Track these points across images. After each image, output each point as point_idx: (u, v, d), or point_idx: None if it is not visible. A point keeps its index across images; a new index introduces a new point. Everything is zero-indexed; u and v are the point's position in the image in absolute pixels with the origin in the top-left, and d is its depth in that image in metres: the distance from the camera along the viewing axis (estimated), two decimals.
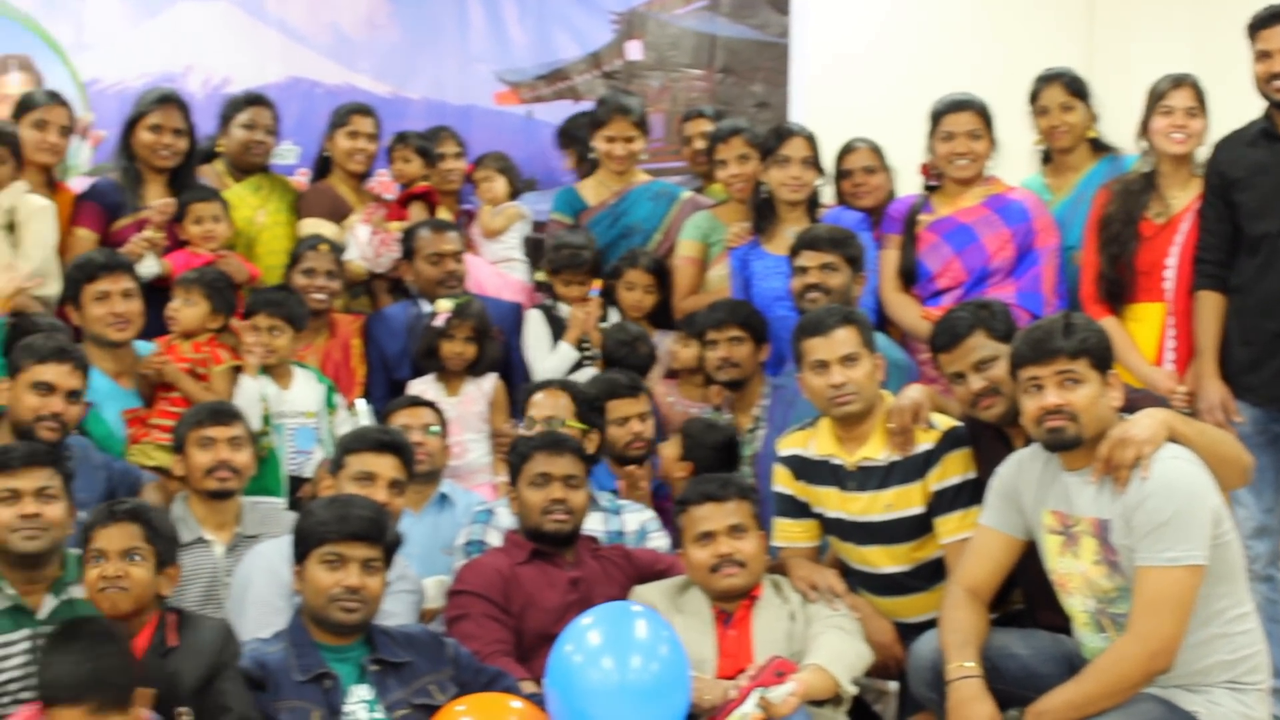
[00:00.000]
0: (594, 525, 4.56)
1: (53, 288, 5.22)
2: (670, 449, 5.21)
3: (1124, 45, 7.61)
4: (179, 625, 3.64)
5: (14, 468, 3.84)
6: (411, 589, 4.32)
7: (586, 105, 6.98)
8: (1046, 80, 5.37)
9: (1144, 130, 4.99)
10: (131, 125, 5.71)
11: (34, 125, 5.55)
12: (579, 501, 4.31)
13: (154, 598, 3.68)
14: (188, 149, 5.76)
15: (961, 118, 5.21)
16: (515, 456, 4.42)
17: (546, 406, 4.90)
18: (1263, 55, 4.76)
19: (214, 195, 5.60)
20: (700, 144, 6.44)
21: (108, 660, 3.31)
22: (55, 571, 3.92)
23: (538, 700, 3.59)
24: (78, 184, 6.01)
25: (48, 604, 3.87)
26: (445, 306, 5.44)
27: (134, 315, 5.00)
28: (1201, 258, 4.87)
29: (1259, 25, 4.78)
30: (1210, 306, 4.85)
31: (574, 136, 6.78)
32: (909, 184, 5.71)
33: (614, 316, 5.82)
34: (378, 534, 3.69)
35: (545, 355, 5.63)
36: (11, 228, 5.27)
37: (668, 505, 4.75)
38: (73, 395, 4.38)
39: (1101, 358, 3.66)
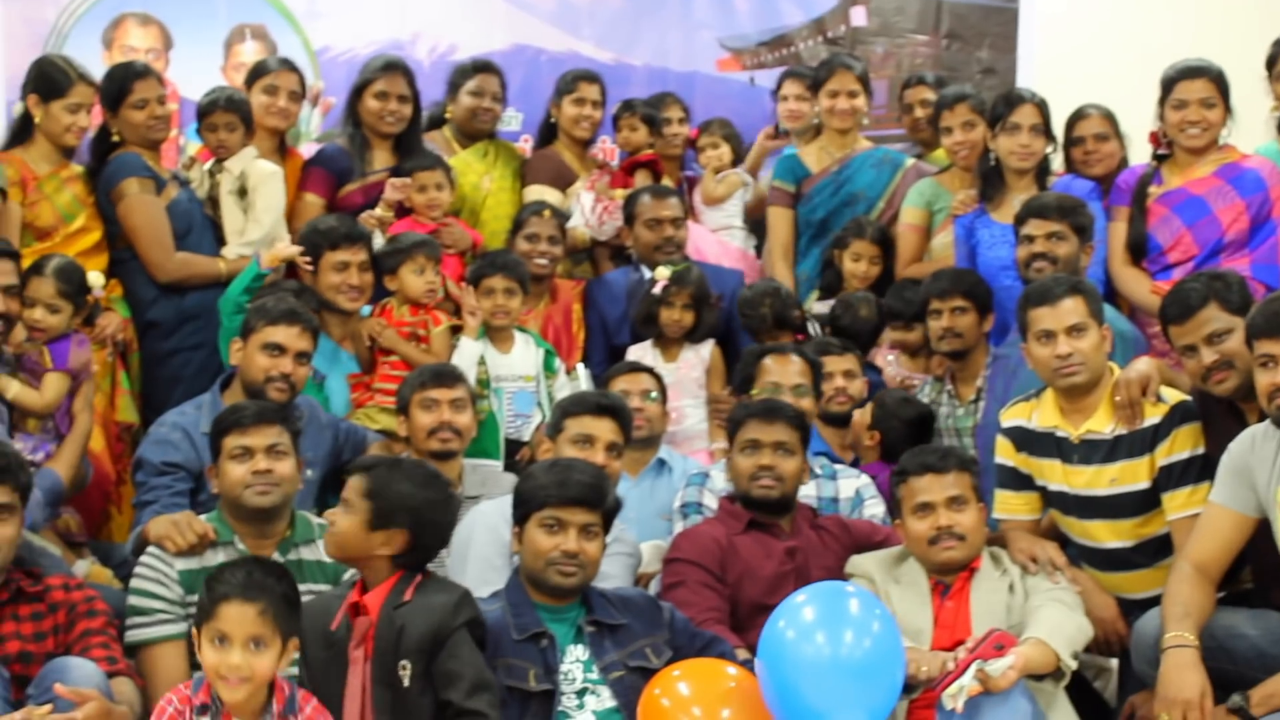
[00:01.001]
0: (808, 492, 4.55)
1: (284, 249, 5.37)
2: (862, 415, 5.17)
3: None
4: (419, 584, 3.69)
5: (246, 425, 3.96)
6: (629, 552, 4.35)
7: None
8: None
9: None
10: (358, 92, 5.85)
11: (265, 91, 5.71)
12: (789, 469, 4.28)
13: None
14: (412, 115, 5.87)
15: (1195, 85, 5.10)
16: (731, 423, 4.44)
17: (775, 372, 4.89)
18: None
19: (438, 163, 5.68)
20: (921, 111, 6.43)
21: (287, 586, 3.37)
22: (284, 530, 4.04)
23: (751, 668, 3.58)
24: (307, 150, 6.15)
25: (275, 560, 3.94)
26: (664, 274, 5.47)
27: (367, 286, 5.14)
28: None
29: None
30: None
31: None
32: (1141, 154, 5.58)
33: None
34: (597, 499, 3.71)
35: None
36: (243, 193, 5.43)
37: (880, 473, 4.73)
38: (302, 356, 4.49)
39: None
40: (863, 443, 5.04)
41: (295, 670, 3.57)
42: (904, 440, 4.83)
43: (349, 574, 3.87)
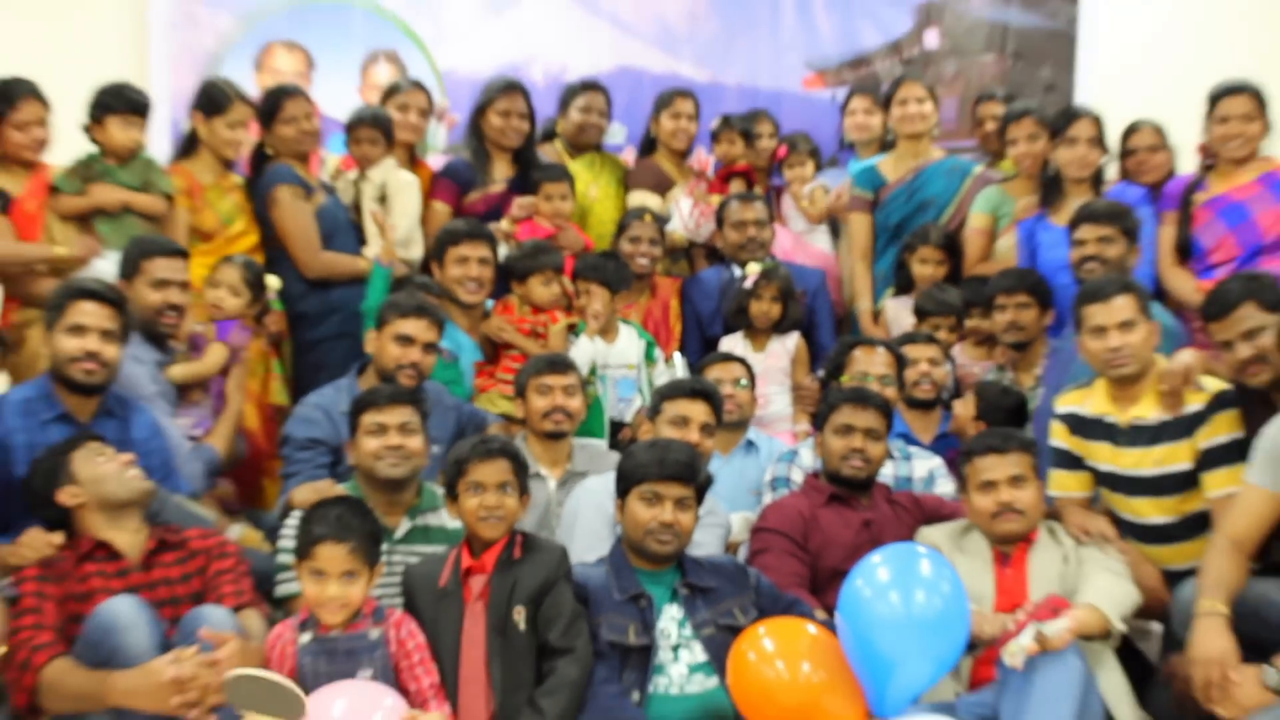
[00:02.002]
0: (885, 471, 4.57)
1: (415, 252, 5.47)
2: (965, 408, 5.15)
3: None
4: (524, 544, 3.77)
5: (381, 405, 4.06)
6: (720, 523, 4.40)
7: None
8: None
9: None
10: (481, 110, 5.92)
11: (397, 108, 5.81)
12: (877, 453, 4.34)
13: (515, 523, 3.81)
14: (529, 131, 5.93)
15: (1236, 101, 5.10)
16: (825, 406, 4.46)
17: (863, 363, 4.92)
18: None
19: (563, 175, 5.74)
20: (991, 125, 6.40)
21: (370, 522, 3.50)
22: (413, 498, 4.12)
23: (829, 626, 3.61)
24: (433, 161, 6.22)
25: (404, 526, 4.07)
26: (754, 270, 5.51)
27: (486, 280, 5.18)
28: None
29: None
30: None
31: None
32: (1188, 164, 5.58)
33: None
34: (691, 475, 3.74)
35: None
36: (382, 199, 5.54)
37: (955, 456, 4.74)
38: (429, 347, 4.56)
39: None
40: (968, 432, 5.00)
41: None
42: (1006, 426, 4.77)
43: None
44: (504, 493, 3.72)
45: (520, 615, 3.61)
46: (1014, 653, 3.49)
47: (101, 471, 3.76)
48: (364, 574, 3.43)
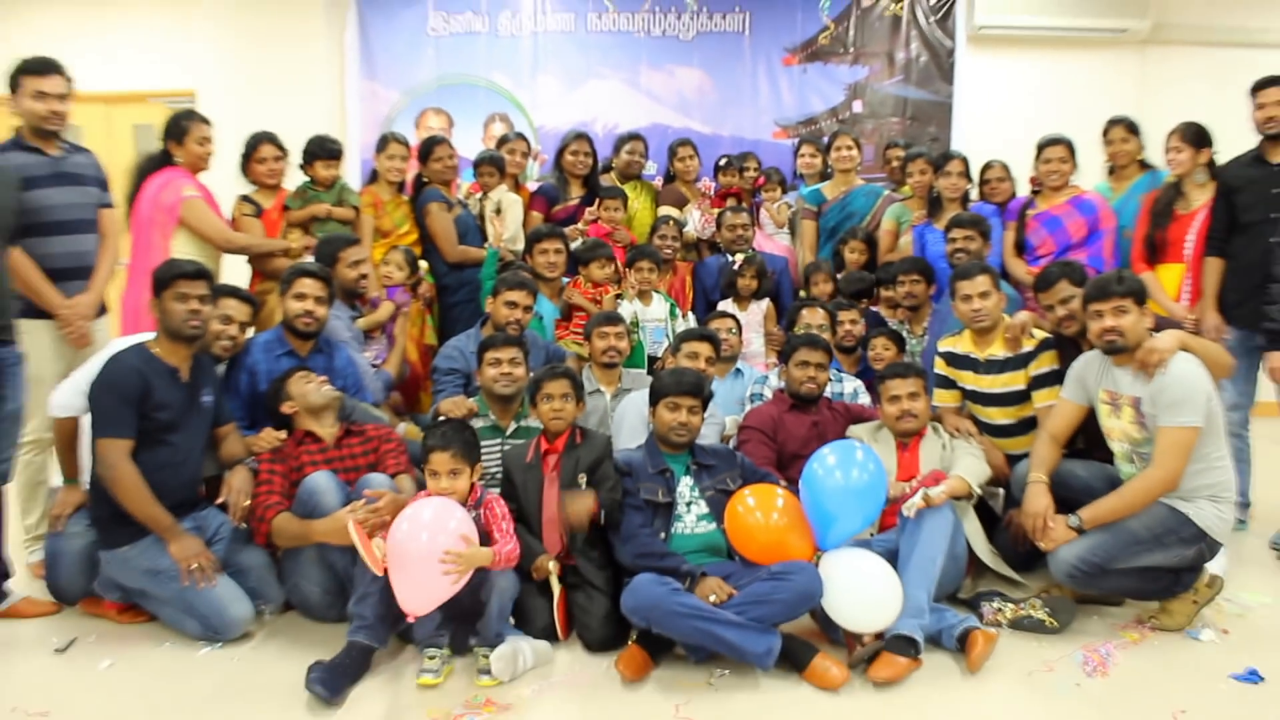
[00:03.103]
0: (827, 390, 4.54)
1: (519, 246, 5.47)
2: (887, 352, 5.00)
3: (1165, 94, 7.26)
4: (582, 434, 3.80)
5: (498, 346, 4.08)
6: (717, 423, 4.39)
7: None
8: (1114, 123, 5.13)
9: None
10: (560, 151, 5.91)
11: (507, 151, 5.80)
12: (823, 378, 4.33)
13: (574, 421, 3.84)
14: (593, 164, 5.92)
15: (1054, 149, 5.08)
16: (788, 347, 4.43)
17: (808, 318, 4.92)
18: (1260, 106, 4.51)
19: (619, 194, 5.71)
20: (896, 163, 6.36)
21: (468, 434, 3.48)
22: (518, 408, 4.13)
23: (791, 490, 3.61)
24: (531, 186, 6.19)
25: (512, 425, 4.08)
26: (739, 259, 5.50)
27: (561, 265, 5.15)
28: (1211, 236, 4.65)
29: (1258, 87, 4.53)
30: (1215, 267, 4.64)
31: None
32: (1024, 189, 5.55)
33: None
34: (699, 391, 3.74)
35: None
36: (498, 211, 5.54)
37: (870, 382, 4.72)
38: (527, 309, 4.55)
39: (1140, 297, 3.57)
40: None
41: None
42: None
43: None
44: (565, 401, 3.77)
45: (582, 479, 3.66)
46: (910, 507, 3.53)
47: (305, 389, 3.82)
48: (466, 470, 3.41)
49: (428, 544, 3.13)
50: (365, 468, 3.75)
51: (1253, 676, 3.24)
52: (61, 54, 4.17)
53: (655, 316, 5.27)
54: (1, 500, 3.80)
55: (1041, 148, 5.15)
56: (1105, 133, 5.17)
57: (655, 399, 3.77)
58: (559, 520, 3.62)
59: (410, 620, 3.21)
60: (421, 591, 3.15)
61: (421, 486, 3.56)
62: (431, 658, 3.28)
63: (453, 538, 3.17)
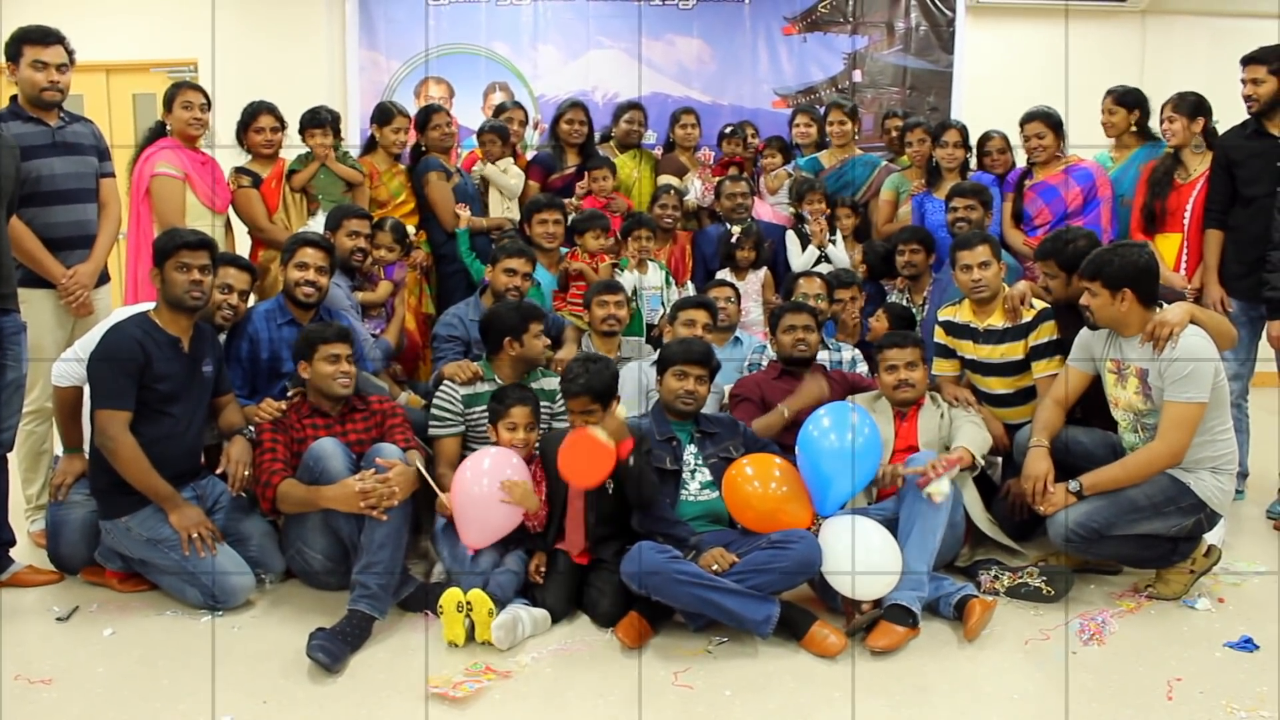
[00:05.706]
0: (823, 357, 4.56)
1: (517, 214, 5.40)
2: (879, 321, 5.03)
3: (1165, 64, 7.21)
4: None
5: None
6: (717, 392, 4.37)
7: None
8: (1109, 94, 5.10)
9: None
10: (556, 120, 5.84)
11: (505, 120, 5.71)
12: (812, 340, 4.31)
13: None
14: (588, 133, 5.85)
15: (1031, 125, 5.11)
16: (773, 317, 4.44)
17: (804, 287, 4.86)
18: (1242, 81, 4.52)
19: (606, 163, 5.64)
20: (894, 133, 6.30)
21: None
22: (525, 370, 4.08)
23: (788, 459, 3.61)
24: (529, 155, 6.15)
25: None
26: (737, 229, 5.45)
27: (559, 236, 5.11)
28: (1210, 207, 4.61)
29: (1244, 61, 4.52)
30: (1215, 239, 4.60)
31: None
32: (1023, 160, 5.48)
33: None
34: (706, 361, 3.75)
35: (798, 256, 5.56)
36: (482, 180, 5.51)
37: (869, 352, 4.69)
38: (526, 276, 4.51)
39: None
40: (880, 333, 4.80)
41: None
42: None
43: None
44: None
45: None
46: (934, 492, 3.45)
47: (328, 372, 3.71)
48: (536, 429, 3.71)
49: (490, 469, 3.47)
50: (369, 443, 3.69)
51: (1248, 645, 3.23)
52: (62, 22, 4.11)
53: (652, 284, 5.24)
54: (4, 469, 3.76)
55: (1021, 124, 5.15)
56: (1104, 103, 5.13)
57: (663, 367, 3.77)
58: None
59: (471, 553, 3.48)
60: (483, 524, 3.45)
61: (429, 460, 3.61)
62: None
63: (519, 471, 3.51)
